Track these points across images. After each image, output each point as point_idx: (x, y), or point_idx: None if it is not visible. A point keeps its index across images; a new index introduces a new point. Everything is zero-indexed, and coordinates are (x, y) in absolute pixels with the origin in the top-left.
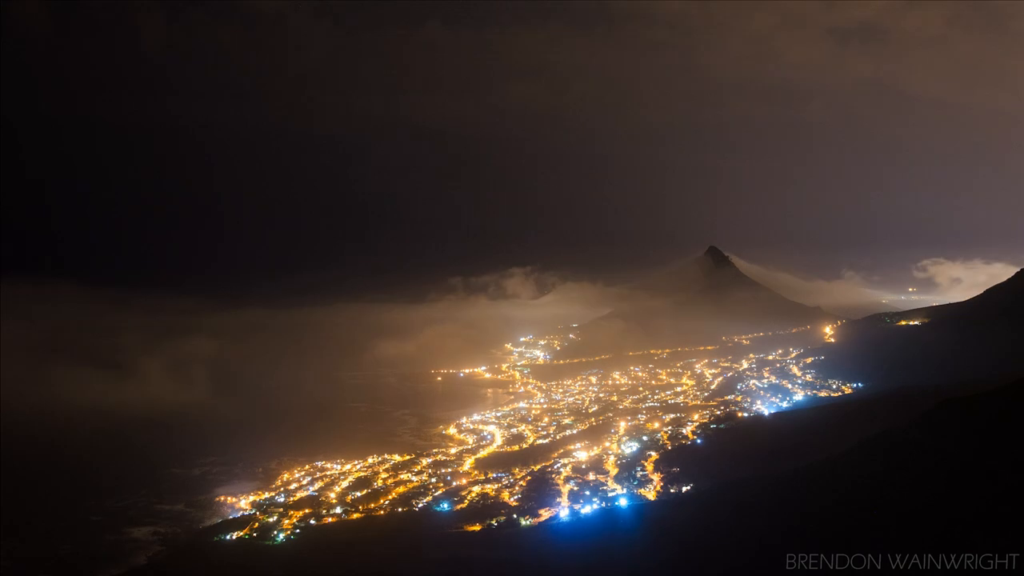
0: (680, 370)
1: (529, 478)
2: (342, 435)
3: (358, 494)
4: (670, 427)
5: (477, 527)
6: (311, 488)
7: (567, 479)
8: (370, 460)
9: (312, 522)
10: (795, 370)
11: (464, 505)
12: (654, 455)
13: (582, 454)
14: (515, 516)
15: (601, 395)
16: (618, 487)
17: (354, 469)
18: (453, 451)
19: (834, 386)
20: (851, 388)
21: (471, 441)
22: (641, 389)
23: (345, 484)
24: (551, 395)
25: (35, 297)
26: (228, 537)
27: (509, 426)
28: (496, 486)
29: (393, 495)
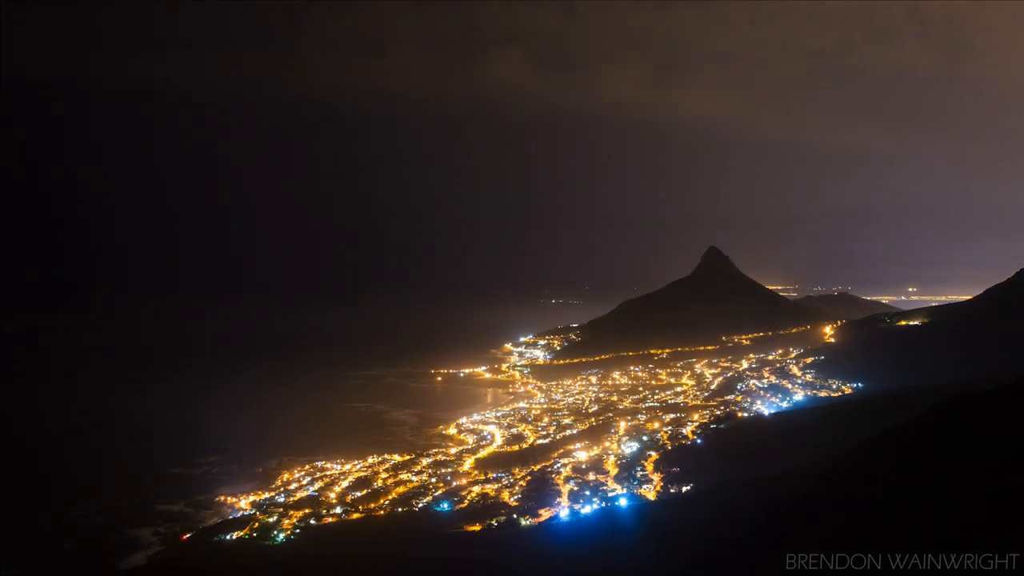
0: (680, 370)
1: (529, 478)
2: (342, 435)
3: (358, 494)
4: (670, 427)
5: (477, 527)
6: (311, 488)
7: (567, 479)
8: (370, 460)
9: (312, 522)
10: (795, 370)
11: (464, 505)
12: (654, 455)
13: (582, 454)
14: (515, 516)
15: (601, 395)
16: (618, 487)
17: (354, 469)
18: (453, 451)
19: (834, 386)
20: (851, 388)
21: (471, 441)
22: (641, 389)
23: (345, 484)
24: (551, 395)
25: None
26: (228, 537)
27: (509, 426)
28: (496, 486)
29: (393, 495)
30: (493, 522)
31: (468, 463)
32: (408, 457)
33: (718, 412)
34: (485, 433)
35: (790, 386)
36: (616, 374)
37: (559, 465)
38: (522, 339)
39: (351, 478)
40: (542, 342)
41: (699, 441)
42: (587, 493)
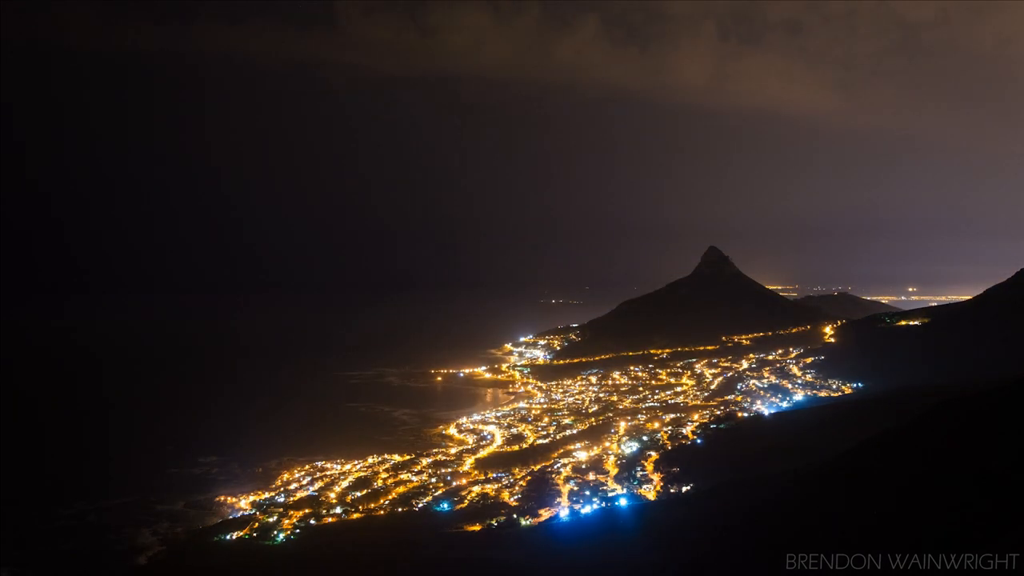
0: (680, 370)
1: (529, 478)
2: (342, 435)
3: (358, 494)
4: (670, 427)
5: (477, 527)
6: (311, 488)
7: (567, 479)
8: (370, 460)
9: (312, 522)
10: (795, 370)
11: (464, 505)
12: (654, 455)
13: (582, 454)
14: (515, 516)
15: (601, 395)
16: (618, 487)
17: (354, 469)
18: (453, 451)
19: (834, 386)
20: (851, 388)
21: (471, 441)
22: (641, 389)
23: (345, 484)
24: (551, 395)
25: None
26: (228, 537)
27: (509, 426)
28: (496, 486)
29: (393, 495)
30: (493, 522)
31: (468, 463)
32: (408, 457)
33: (718, 412)
34: (485, 433)
35: (790, 386)
36: (616, 374)
37: (559, 465)
38: (522, 339)
39: (351, 478)
40: (542, 342)
41: (699, 441)
42: (587, 493)
